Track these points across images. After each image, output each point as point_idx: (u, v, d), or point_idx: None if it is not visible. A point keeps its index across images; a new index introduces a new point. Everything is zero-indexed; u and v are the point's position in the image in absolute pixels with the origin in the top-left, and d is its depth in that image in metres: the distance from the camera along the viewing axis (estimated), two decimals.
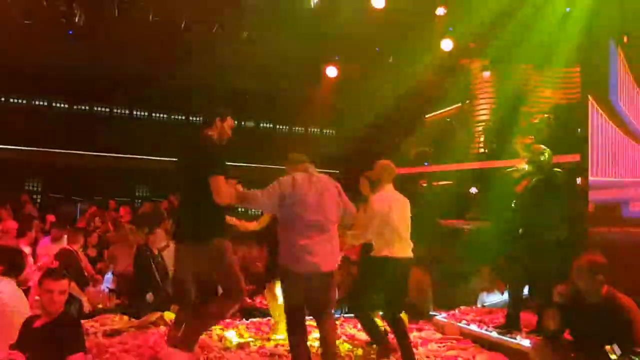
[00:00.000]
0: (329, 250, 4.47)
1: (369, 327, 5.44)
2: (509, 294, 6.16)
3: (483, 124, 12.15)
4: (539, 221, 5.63)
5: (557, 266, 5.25)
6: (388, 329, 5.42)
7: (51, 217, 10.63)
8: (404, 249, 5.09)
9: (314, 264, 4.37)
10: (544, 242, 5.56)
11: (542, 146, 6.02)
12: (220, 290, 4.72)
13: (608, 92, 6.60)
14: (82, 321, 5.11)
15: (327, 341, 4.56)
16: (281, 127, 18.70)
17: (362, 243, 5.42)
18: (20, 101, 16.43)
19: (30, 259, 6.95)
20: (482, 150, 11.94)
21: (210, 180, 4.23)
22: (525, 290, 6.18)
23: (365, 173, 5.62)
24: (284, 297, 4.68)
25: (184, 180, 4.55)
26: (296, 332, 4.49)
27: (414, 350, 5.28)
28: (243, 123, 17.56)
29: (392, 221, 5.05)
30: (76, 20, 10.35)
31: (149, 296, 7.08)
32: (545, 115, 10.39)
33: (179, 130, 16.77)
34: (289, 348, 4.64)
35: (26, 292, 5.94)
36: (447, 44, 10.98)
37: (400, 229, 5.10)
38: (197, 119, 17.11)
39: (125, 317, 6.55)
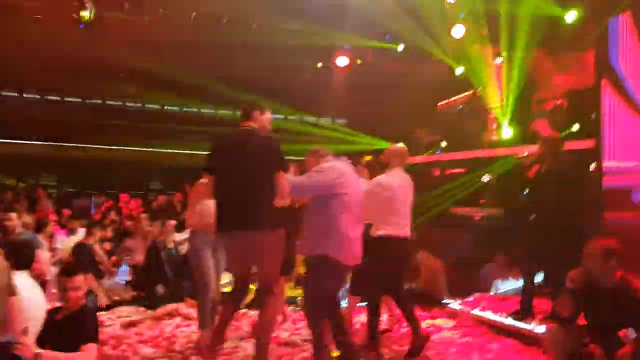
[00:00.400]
0: (361, 242, 4.49)
1: (372, 314, 5.23)
2: (522, 281, 6.14)
3: (496, 110, 12.03)
4: (550, 207, 5.60)
5: (570, 252, 5.21)
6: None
7: (67, 211, 10.75)
8: (403, 230, 5.14)
9: (357, 257, 4.40)
10: (556, 227, 5.53)
11: (556, 132, 5.98)
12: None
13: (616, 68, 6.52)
14: (99, 313, 5.18)
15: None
16: (292, 117, 18.65)
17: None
18: (33, 96, 16.53)
19: (47, 253, 7.04)
20: (494, 137, 11.84)
21: (279, 177, 4.16)
22: (540, 277, 6.15)
23: (363, 159, 5.68)
24: (318, 287, 4.31)
25: (239, 170, 4.25)
26: (321, 319, 4.31)
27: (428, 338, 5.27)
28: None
29: (393, 203, 5.11)
30: (87, 14, 10.40)
31: (159, 288, 7.19)
32: (559, 101, 10.28)
33: (191, 123, 16.77)
34: (311, 336, 4.39)
35: (42, 284, 6.04)
36: (458, 30, 10.82)
37: (401, 211, 5.16)
38: (210, 112, 17.16)
39: (141, 309, 6.64)
